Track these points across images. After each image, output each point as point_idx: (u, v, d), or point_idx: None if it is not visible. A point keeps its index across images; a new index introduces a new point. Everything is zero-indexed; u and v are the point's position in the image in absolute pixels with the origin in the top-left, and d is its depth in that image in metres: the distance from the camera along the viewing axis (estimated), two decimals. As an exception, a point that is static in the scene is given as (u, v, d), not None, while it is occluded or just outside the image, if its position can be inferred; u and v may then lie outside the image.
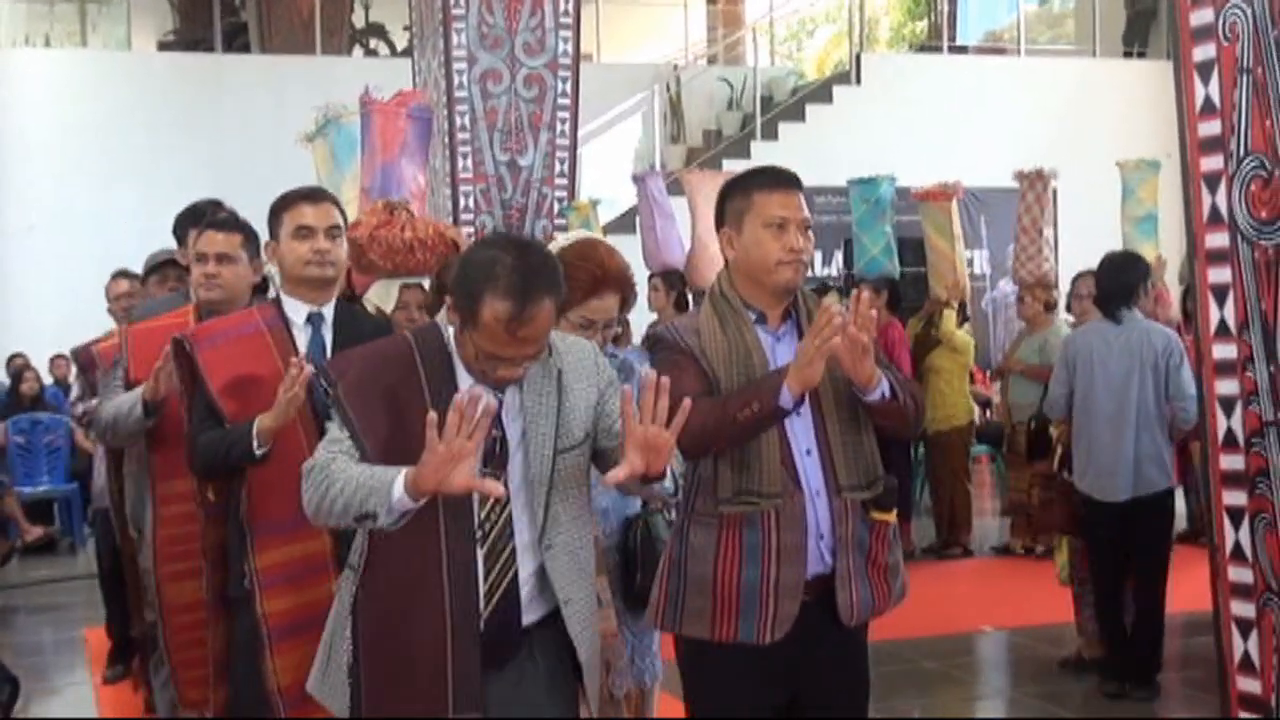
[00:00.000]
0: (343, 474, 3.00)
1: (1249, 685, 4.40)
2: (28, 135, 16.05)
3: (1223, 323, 4.37)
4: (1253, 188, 4.23)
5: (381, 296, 6.13)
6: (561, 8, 9.36)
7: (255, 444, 3.92)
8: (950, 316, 11.53)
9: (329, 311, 4.27)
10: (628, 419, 2.97)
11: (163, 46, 19.76)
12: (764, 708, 3.64)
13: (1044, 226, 12.86)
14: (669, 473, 3.09)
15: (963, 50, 19.56)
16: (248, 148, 14.96)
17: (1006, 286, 13.16)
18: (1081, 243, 13.36)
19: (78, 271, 14.18)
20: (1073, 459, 6.99)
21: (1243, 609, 4.40)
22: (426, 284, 5.55)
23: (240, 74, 17.24)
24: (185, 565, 4.62)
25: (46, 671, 8.05)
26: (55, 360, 13.90)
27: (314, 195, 4.36)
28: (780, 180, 3.67)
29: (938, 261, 12.88)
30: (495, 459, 3.15)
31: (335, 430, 3.17)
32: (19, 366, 13.34)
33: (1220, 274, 4.35)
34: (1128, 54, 19.88)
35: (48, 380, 13.61)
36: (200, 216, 5.26)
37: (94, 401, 5.46)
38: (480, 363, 3.12)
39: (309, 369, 3.84)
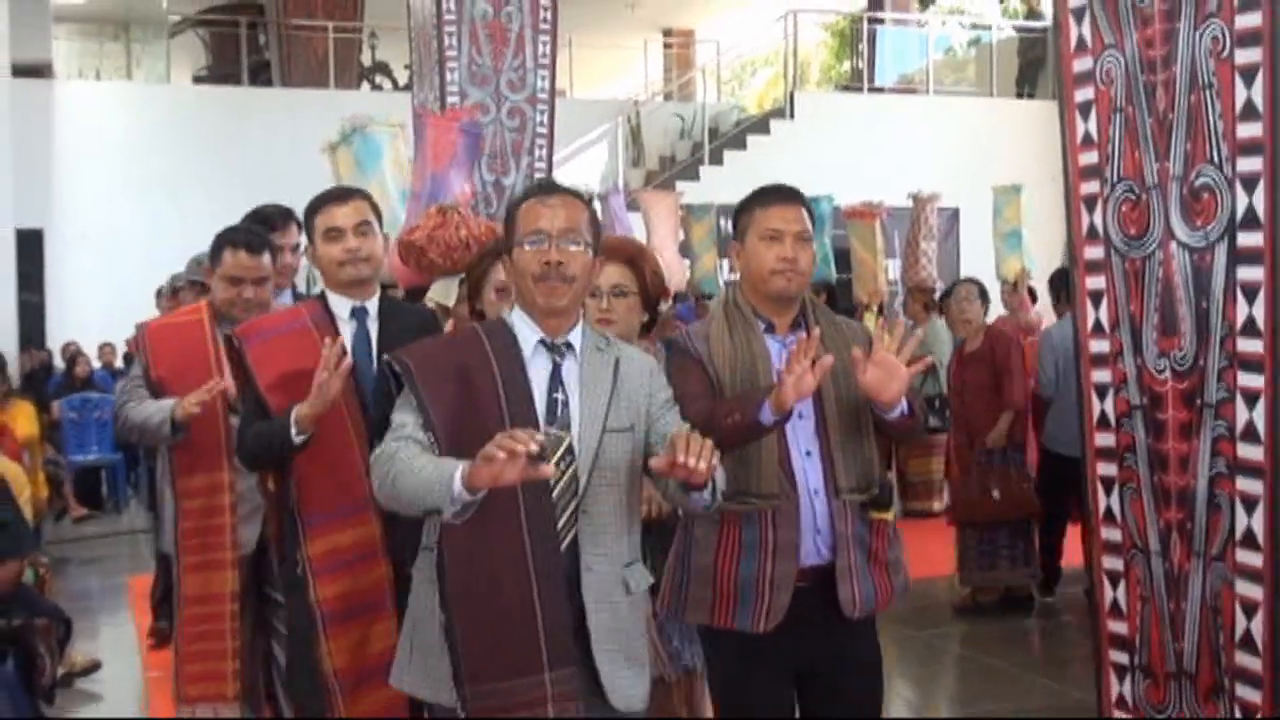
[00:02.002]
0: (406, 467, 2.75)
1: (1117, 627, 4.43)
2: (80, 156, 15.96)
3: (1098, 322, 4.40)
4: (1123, 208, 4.26)
5: (442, 293, 5.77)
6: (540, 50, 9.34)
7: (294, 431, 3.52)
8: (870, 317, 11.61)
9: (373, 305, 3.90)
10: (672, 448, 2.73)
11: (197, 80, 19.66)
12: (775, 686, 3.45)
13: (922, 241, 13.10)
14: (711, 485, 2.86)
15: (880, 90, 19.59)
16: (269, 167, 14.86)
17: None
18: (979, 255, 13.46)
19: (121, 273, 14.22)
20: (1046, 425, 7.77)
21: (1112, 563, 4.43)
22: None
23: (263, 104, 17.18)
24: (204, 558, 4.26)
25: (94, 614, 8.03)
26: (102, 348, 13.93)
27: (342, 195, 3.98)
28: (778, 195, 3.53)
29: (862, 270, 13.05)
30: (558, 420, 2.96)
31: (400, 415, 2.92)
32: (72, 353, 13.40)
33: (1096, 281, 4.38)
34: (1020, 95, 19.93)
35: (96, 365, 13.62)
36: (270, 222, 4.89)
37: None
38: (528, 289, 2.95)
39: (349, 361, 3.52)
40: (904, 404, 3.31)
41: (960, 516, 7.83)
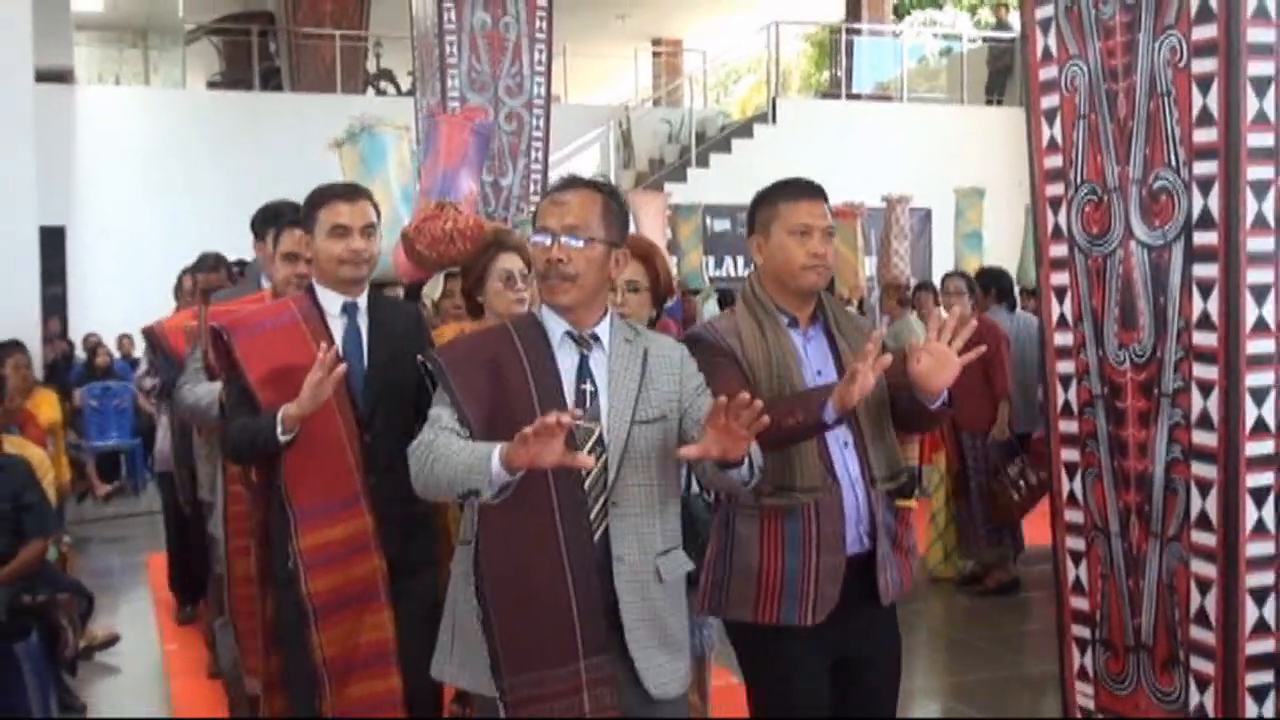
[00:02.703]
0: (445, 451, 2.64)
1: (1079, 603, 4.45)
2: (100, 157, 15.95)
3: (1062, 316, 4.41)
4: (1086, 209, 4.27)
5: (432, 287, 5.72)
6: (536, 58, 9.36)
7: (279, 430, 3.32)
8: (851, 310, 11.65)
9: (363, 301, 3.65)
10: (714, 415, 2.59)
11: (211, 85, 19.60)
12: (814, 675, 3.24)
13: (894, 240, 13.17)
14: (747, 461, 2.73)
15: (857, 97, 19.59)
16: (279, 168, 14.68)
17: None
18: (951, 254, 13.49)
19: (139, 268, 14.18)
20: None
21: (1075, 543, 4.44)
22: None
23: (273, 109, 17.14)
24: (248, 541, 4.08)
25: (115, 590, 8.04)
26: (121, 339, 13.90)
27: (350, 193, 3.69)
28: (805, 190, 3.35)
29: (843, 267, 13.07)
30: (587, 411, 2.82)
31: (436, 409, 2.80)
32: (93, 344, 13.42)
33: (1060, 277, 4.39)
34: (989, 102, 19.96)
35: (116, 355, 13.63)
36: (278, 216, 4.67)
37: (145, 378, 5.27)
38: (538, 281, 2.88)
39: (343, 367, 3.30)
40: (944, 394, 3.16)
41: (960, 504, 7.84)
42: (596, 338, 2.89)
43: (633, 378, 2.87)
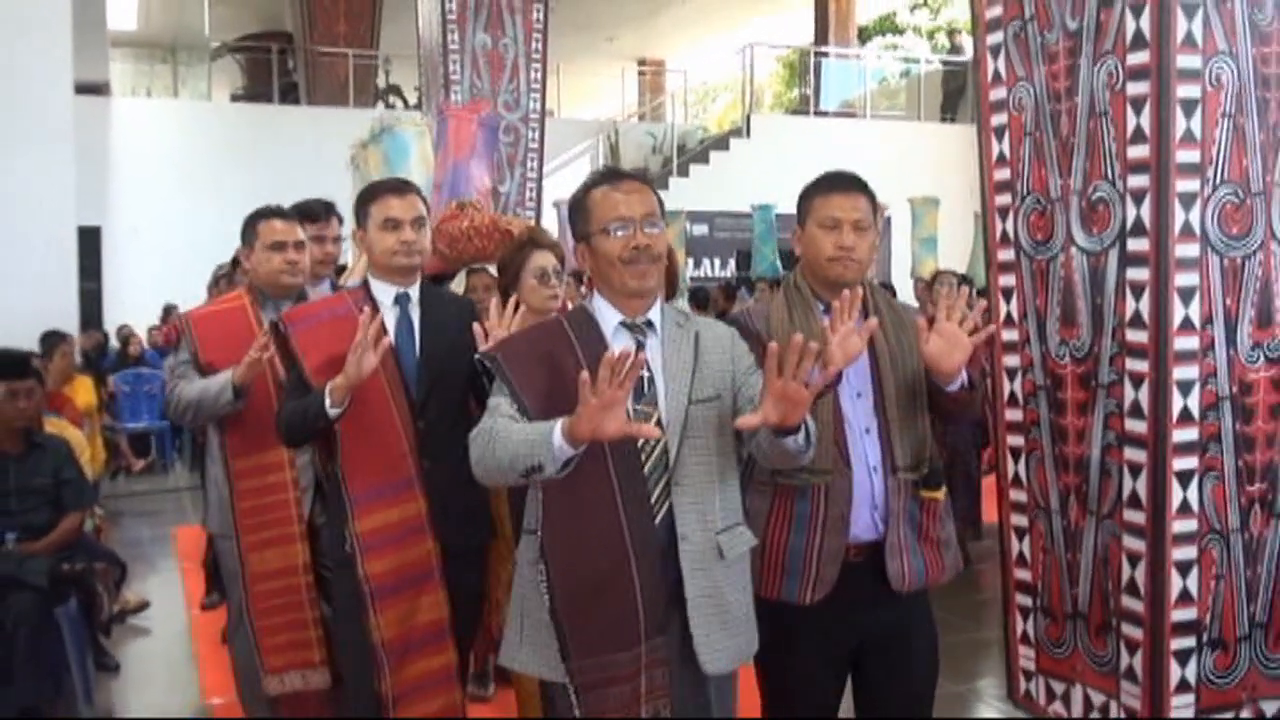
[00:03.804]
0: (504, 432, 2.49)
1: (1023, 575, 4.47)
2: (134, 162, 15.87)
3: (1009, 314, 4.44)
4: (1032, 218, 4.29)
5: (456, 284, 5.43)
6: (532, 76, 9.34)
7: (328, 403, 3.15)
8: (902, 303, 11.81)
9: (415, 292, 3.48)
10: (770, 372, 2.39)
11: (234, 98, 19.49)
12: (819, 659, 3.01)
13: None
14: (803, 428, 2.51)
15: (824, 114, 19.55)
16: (295, 174, 14.56)
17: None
18: (906, 256, 13.55)
19: (168, 264, 14.18)
20: None
21: (1019, 520, 4.47)
22: (492, 269, 4.67)
23: (291, 120, 17.04)
24: (264, 535, 3.85)
25: (145, 559, 7.99)
26: (151, 330, 13.87)
27: (400, 188, 3.54)
28: (837, 183, 3.10)
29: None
30: (645, 397, 2.65)
31: (494, 399, 2.63)
32: (126, 334, 13.36)
33: (1008, 279, 4.41)
34: (944, 119, 19.95)
35: (146, 345, 13.62)
36: (310, 214, 4.54)
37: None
38: (615, 273, 2.65)
39: (387, 340, 3.20)
40: (963, 376, 2.91)
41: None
42: (651, 324, 2.72)
43: (686, 360, 2.71)
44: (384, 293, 3.44)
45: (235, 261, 6.07)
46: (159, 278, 14.26)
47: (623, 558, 2.55)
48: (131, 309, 14.47)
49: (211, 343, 3.96)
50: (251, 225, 4.08)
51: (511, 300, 3.54)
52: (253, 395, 3.78)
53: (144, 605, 6.46)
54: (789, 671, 3.03)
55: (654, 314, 2.73)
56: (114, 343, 13.58)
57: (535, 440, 2.42)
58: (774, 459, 2.63)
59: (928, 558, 3.01)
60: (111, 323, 14.41)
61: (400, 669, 3.27)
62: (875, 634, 3.01)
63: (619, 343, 2.65)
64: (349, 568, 3.27)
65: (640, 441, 2.58)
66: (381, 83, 19.74)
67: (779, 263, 13.62)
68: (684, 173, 17.96)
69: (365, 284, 3.50)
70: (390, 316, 3.41)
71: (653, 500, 2.62)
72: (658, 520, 2.61)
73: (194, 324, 4.04)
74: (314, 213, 4.58)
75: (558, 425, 2.38)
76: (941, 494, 3.05)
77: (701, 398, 2.68)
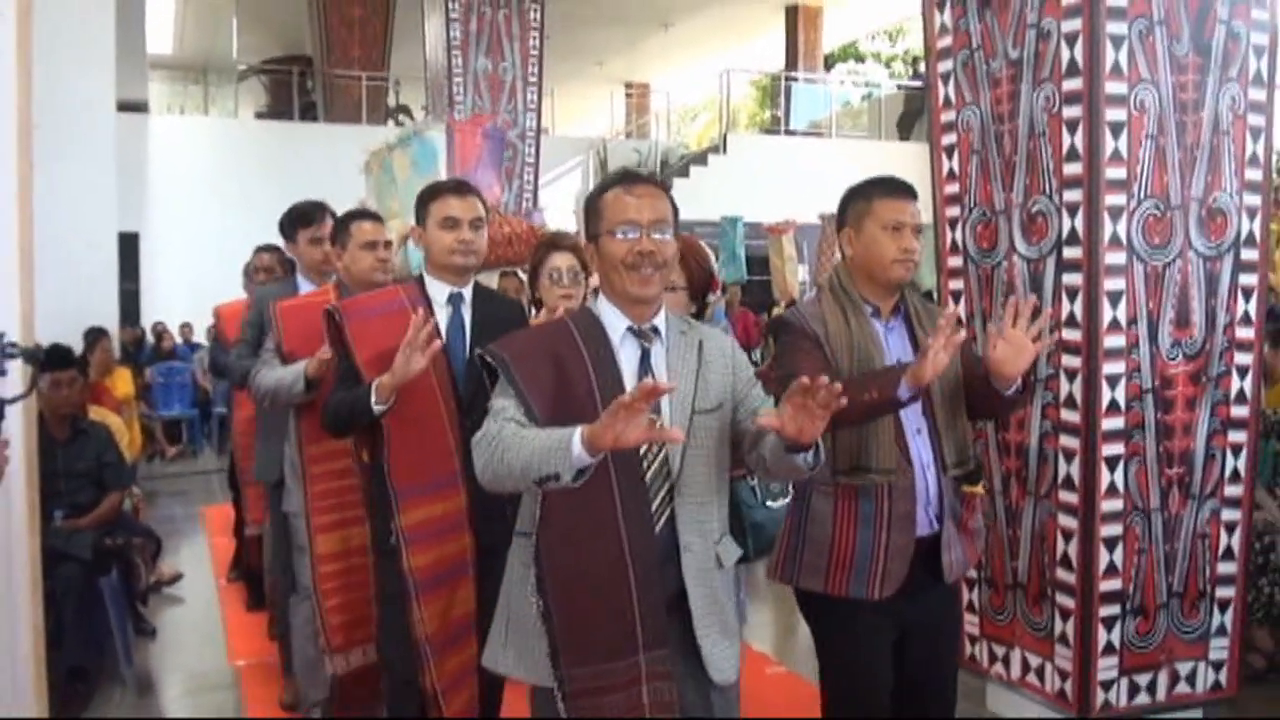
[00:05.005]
0: (516, 440, 2.19)
1: (968, 549, 4.50)
2: (168, 174, 15.83)
3: (959, 316, 4.46)
4: (978, 228, 4.31)
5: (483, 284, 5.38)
6: (528, 97, 9.38)
7: (374, 399, 2.97)
8: (779, 310, 11.73)
9: (468, 293, 3.26)
10: (793, 394, 2.12)
11: (258, 116, 19.44)
12: (881, 645, 2.83)
13: (832, 250, 13.22)
14: (815, 445, 2.24)
15: (794, 133, 19.59)
16: (313, 185, 14.47)
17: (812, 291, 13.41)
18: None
19: (199, 267, 14.15)
20: None
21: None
22: (520, 273, 4.45)
23: (309, 136, 16.97)
24: (333, 518, 3.68)
25: (178, 535, 7.98)
26: (183, 327, 13.88)
27: (460, 188, 3.31)
28: (898, 188, 2.91)
29: (776, 274, 13.10)
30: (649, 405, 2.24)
31: (500, 401, 2.33)
32: (159, 330, 13.38)
33: (956, 284, 4.42)
34: (901, 138, 19.99)
35: (179, 340, 13.62)
36: (306, 217, 4.42)
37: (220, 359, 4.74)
38: (617, 277, 2.39)
39: (438, 343, 2.96)
40: (1019, 380, 2.73)
41: None
42: (656, 330, 2.44)
43: (690, 368, 2.44)
44: (439, 291, 3.24)
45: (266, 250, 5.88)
46: (191, 278, 14.25)
47: (620, 565, 2.29)
48: (165, 307, 14.47)
49: (295, 334, 3.77)
50: (344, 225, 3.91)
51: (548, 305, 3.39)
52: (324, 384, 3.55)
53: (177, 576, 6.46)
54: (856, 665, 2.84)
55: (659, 320, 2.46)
56: (150, 338, 13.57)
57: (551, 448, 2.11)
58: (779, 472, 2.36)
59: (967, 548, 2.91)
60: (148, 320, 14.39)
61: (442, 663, 3.09)
62: (922, 622, 2.85)
63: (627, 350, 2.40)
64: (393, 559, 3.06)
65: (642, 449, 2.32)
66: (392, 102, 19.71)
67: (745, 269, 13.65)
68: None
69: (420, 280, 3.29)
70: (443, 315, 3.21)
71: (653, 509, 2.36)
72: (657, 530, 2.35)
73: (281, 315, 3.84)
74: (309, 216, 4.44)
75: (576, 433, 2.09)
76: (981, 489, 2.92)
77: (705, 408, 2.43)
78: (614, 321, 2.42)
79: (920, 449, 2.81)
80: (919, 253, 2.81)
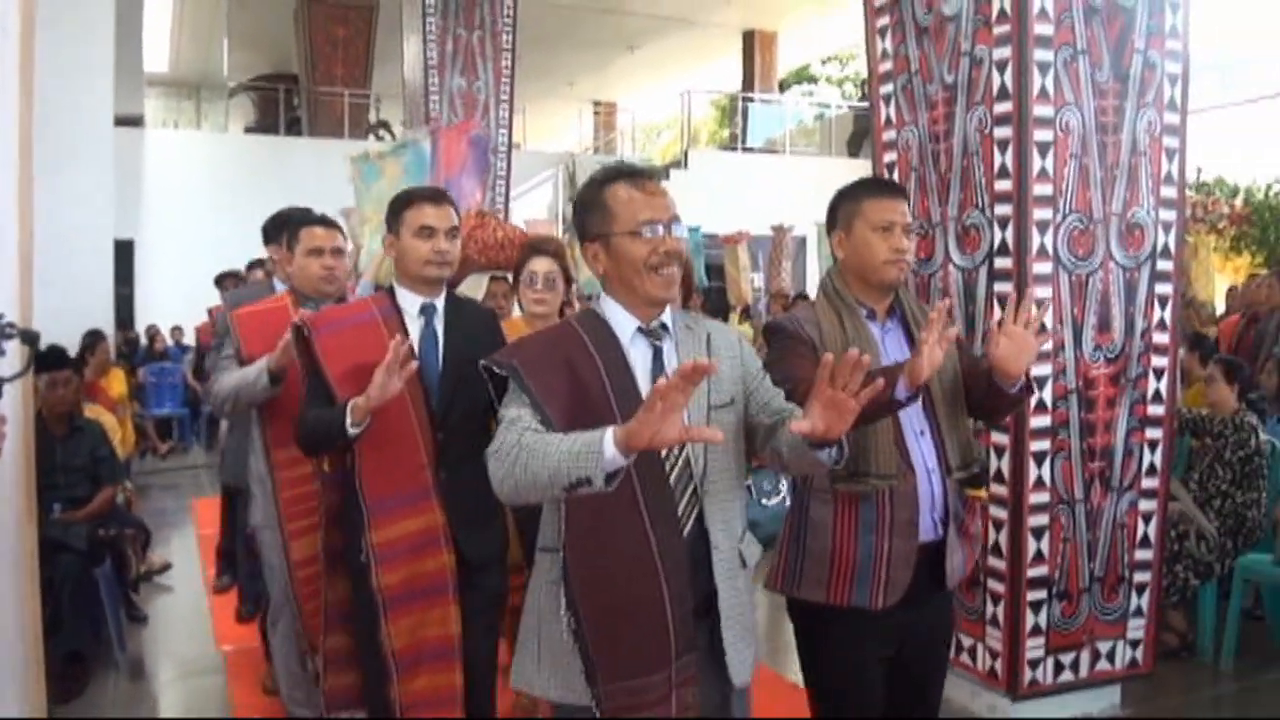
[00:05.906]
0: (540, 447, 1.92)
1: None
2: (163, 185, 15.69)
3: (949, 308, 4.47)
4: (917, 240, 4.34)
5: (472, 288, 4.97)
6: (501, 114, 9.35)
7: (349, 421, 2.70)
8: (734, 316, 11.76)
9: (440, 303, 2.98)
10: (820, 382, 1.93)
11: (247, 130, 19.31)
12: (877, 657, 2.61)
13: (783, 260, 13.29)
14: (839, 441, 2.04)
15: (751, 150, 19.63)
16: (299, 196, 14.50)
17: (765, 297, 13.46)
18: (816, 272, 13.63)
19: (189, 272, 13.98)
20: None
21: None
22: (510, 277, 4.10)
23: (295, 150, 16.85)
24: (307, 522, 3.41)
25: (168, 526, 7.91)
26: (174, 329, 13.79)
27: (436, 196, 3.01)
28: (887, 188, 2.72)
29: (731, 282, 13.14)
30: None
31: (514, 410, 2.07)
32: (152, 333, 13.30)
33: (896, 291, 4.45)
34: (851, 155, 20.03)
35: (170, 342, 13.54)
36: (287, 222, 3.97)
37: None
38: (639, 280, 2.15)
39: (414, 364, 2.71)
40: (1022, 379, 2.54)
41: None
42: (665, 327, 2.23)
43: None
44: (409, 302, 2.96)
45: (250, 265, 5.92)
46: (183, 284, 14.12)
47: (652, 575, 2.06)
48: (159, 311, 14.37)
49: (254, 339, 3.55)
50: (293, 230, 3.64)
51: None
52: (290, 387, 3.31)
53: (167, 566, 6.41)
54: (860, 675, 2.62)
55: (666, 317, 2.24)
56: (143, 340, 13.47)
57: (581, 452, 1.86)
58: (799, 467, 2.17)
59: (966, 552, 2.69)
60: (142, 323, 14.29)
61: (409, 682, 2.83)
62: (920, 630, 2.64)
63: (638, 351, 2.18)
64: (363, 576, 2.82)
65: (664, 451, 2.09)
66: (373, 118, 19.61)
67: (704, 276, 13.71)
68: (632, 198, 17.95)
69: (390, 291, 3.00)
70: (415, 327, 2.94)
71: (679, 512, 2.15)
72: (685, 533, 2.14)
73: (238, 322, 3.62)
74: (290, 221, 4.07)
75: (608, 434, 1.84)
76: (983, 493, 2.74)
77: (719, 403, 2.22)
78: (622, 322, 2.20)
79: (924, 452, 2.59)
80: (911, 252, 2.64)
